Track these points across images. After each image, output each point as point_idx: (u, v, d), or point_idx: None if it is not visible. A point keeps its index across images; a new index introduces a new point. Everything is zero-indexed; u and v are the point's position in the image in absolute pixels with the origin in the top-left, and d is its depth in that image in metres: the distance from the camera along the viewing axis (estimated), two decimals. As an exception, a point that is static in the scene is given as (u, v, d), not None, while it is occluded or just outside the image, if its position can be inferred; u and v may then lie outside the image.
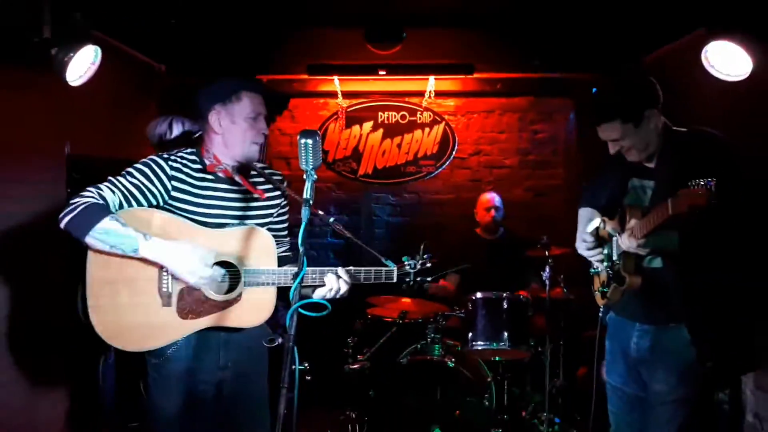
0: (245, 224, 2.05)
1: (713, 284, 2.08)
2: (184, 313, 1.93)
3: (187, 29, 3.48)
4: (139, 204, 1.94)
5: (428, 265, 2.09)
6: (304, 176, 1.63)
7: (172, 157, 2.01)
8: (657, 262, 2.15)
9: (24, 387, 2.74)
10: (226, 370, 2.05)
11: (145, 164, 1.97)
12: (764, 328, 2.73)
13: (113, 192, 1.89)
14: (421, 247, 2.12)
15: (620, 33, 3.52)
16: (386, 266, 2.04)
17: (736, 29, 2.65)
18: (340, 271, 1.97)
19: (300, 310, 1.44)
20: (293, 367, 1.32)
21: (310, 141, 1.60)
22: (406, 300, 3.59)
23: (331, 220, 1.87)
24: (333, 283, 1.96)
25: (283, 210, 2.21)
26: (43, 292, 2.80)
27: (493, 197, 4.24)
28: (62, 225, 1.84)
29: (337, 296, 1.96)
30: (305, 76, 4.60)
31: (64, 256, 2.91)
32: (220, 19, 3.36)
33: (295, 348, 1.34)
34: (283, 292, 2.04)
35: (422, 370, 3.36)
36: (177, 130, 2.87)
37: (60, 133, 3.08)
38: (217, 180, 2.05)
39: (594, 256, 2.30)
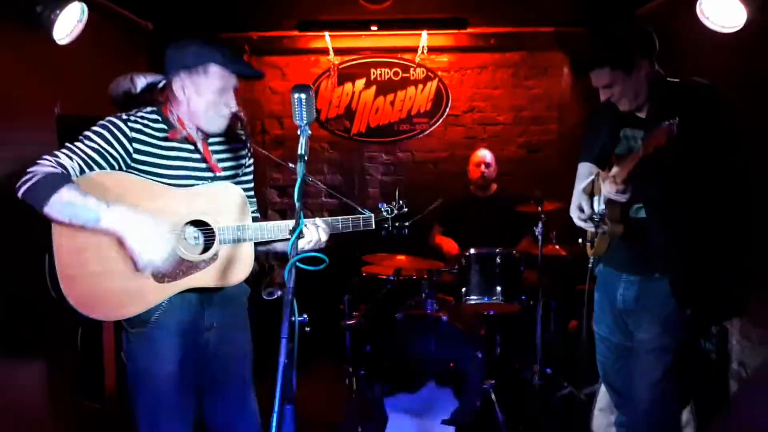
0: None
1: (695, 234, 2.11)
2: (160, 276, 1.88)
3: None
4: (100, 168, 1.85)
5: (405, 210, 2.10)
6: (299, 132, 1.61)
7: (132, 118, 1.91)
8: (642, 213, 2.17)
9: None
10: (211, 330, 2.04)
11: (104, 127, 1.87)
12: (750, 278, 2.80)
13: (71, 158, 1.80)
14: (396, 192, 2.14)
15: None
16: (363, 214, 2.04)
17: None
18: (318, 220, 1.98)
19: (298, 264, 1.46)
20: (292, 318, 1.35)
21: (303, 95, 1.58)
22: (401, 257, 3.64)
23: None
24: (312, 233, 1.95)
25: (249, 169, 2.15)
26: (34, 259, 2.78)
27: (484, 154, 4.24)
28: (19, 194, 1.75)
29: (318, 246, 1.95)
30: (296, 33, 4.53)
31: (37, 220, 2.88)
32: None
33: (294, 300, 1.37)
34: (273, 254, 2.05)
35: (417, 324, 3.43)
36: (141, 84, 2.79)
37: (49, 93, 3.04)
38: (181, 140, 1.98)
39: (586, 227, 2.32)
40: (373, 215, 2.06)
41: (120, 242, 1.80)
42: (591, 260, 2.42)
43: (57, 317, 2.83)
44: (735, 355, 3.01)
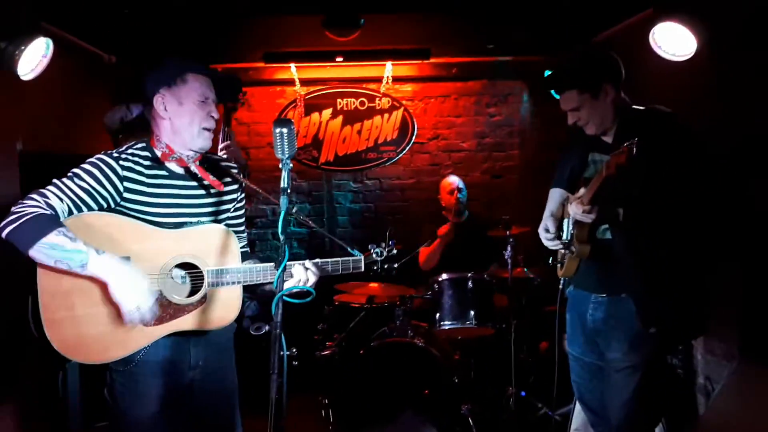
0: (202, 222, 1.98)
1: (658, 254, 2.18)
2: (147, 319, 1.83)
3: (137, 18, 3.39)
4: (89, 209, 1.82)
5: (394, 251, 2.09)
6: (280, 165, 1.63)
7: (123, 156, 1.89)
8: (608, 234, 2.24)
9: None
10: (197, 369, 2.00)
11: (94, 165, 1.84)
12: (713, 295, 2.90)
13: (61, 199, 1.77)
14: (387, 233, 2.12)
15: (570, 15, 3.62)
16: (353, 256, 2.03)
17: (681, 9, 2.77)
18: (308, 263, 1.95)
19: (285, 298, 1.45)
20: (281, 353, 1.34)
21: (285, 130, 1.60)
22: (373, 285, 3.64)
23: (294, 209, 1.85)
24: (301, 274, 1.93)
25: (240, 204, 2.14)
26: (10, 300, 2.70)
27: (454, 180, 4.30)
28: (3, 234, 1.71)
29: (306, 287, 1.92)
30: (261, 64, 4.56)
31: (19, 262, 2.81)
32: (172, 6, 3.28)
33: (282, 335, 1.36)
34: (246, 286, 2.02)
35: (392, 352, 3.42)
36: (136, 110, 2.85)
37: (11, 129, 2.97)
38: (171, 176, 1.96)
39: (554, 247, 2.37)
40: (362, 257, 2.05)
41: (105, 287, 1.77)
42: (561, 281, 2.47)
43: (33, 360, 2.74)
44: (701, 370, 3.10)
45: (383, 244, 2.07)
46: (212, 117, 1.97)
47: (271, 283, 1.93)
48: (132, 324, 1.77)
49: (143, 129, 2.08)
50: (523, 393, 3.68)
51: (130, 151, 1.92)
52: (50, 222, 1.70)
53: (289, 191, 1.59)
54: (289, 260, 1.85)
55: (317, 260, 1.98)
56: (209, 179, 1.98)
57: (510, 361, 3.59)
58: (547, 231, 2.34)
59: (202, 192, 2.01)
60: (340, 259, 2.02)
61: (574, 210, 2.16)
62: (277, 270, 1.49)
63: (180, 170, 1.99)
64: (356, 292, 3.67)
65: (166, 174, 1.95)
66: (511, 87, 5.00)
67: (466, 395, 3.44)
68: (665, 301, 2.18)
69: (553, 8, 3.50)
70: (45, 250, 1.68)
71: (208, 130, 1.97)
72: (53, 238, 1.68)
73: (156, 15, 3.39)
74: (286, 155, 1.61)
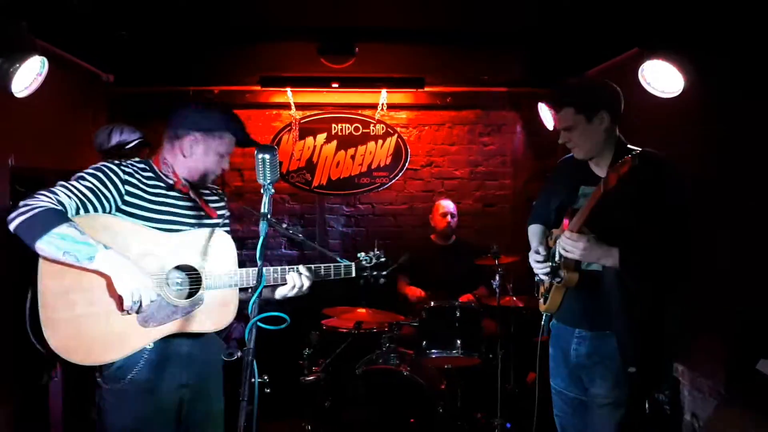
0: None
1: (643, 293, 2.16)
2: (145, 320, 1.89)
3: (136, 39, 3.43)
4: (95, 209, 1.88)
5: (382, 259, 2.20)
6: (262, 190, 1.64)
7: (124, 163, 1.99)
8: (595, 265, 2.22)
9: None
10: (186, 388, 2.03)
11: (98, 169, 1.93)
12: (700, 332, 2.90)
13: (69, 197, 1.83)
14: (375, 243, 2.25)
15: (562, 50, 3.68)
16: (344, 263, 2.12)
17: (666, 49, 2.82)
18: (301, 268, 2.03)
19: (258, 323, 1.45)
20: (252, 380, 1.33)
21: (267, 156, 1.62)
22: (361, 310, 3.63)
23: (284, 225, 1.92)
24: (295, 280, 2.01)
25: (226, 221, 2.22)
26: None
27: (448, 204, 4.38)
28: (12, 226, 1.75)
29: (300, 293, 2.01)
30: (258, 88, 4.61)
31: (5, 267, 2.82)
32: (171, 29, 3.33)
33: (254, 361, 1.35)
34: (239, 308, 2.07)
35: (378, 379, 3.39)
36: (114, 140, 2.98)
37: (3, 145, 2.99)
38: (168, 188, 2.04)
39: (543, 270, 2.35)
40: (354, 264, 2.15)
41: (109, 285, 1.82)
42: (544, 317, 2.45)
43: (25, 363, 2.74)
44: (687, 406, 3.08)
45: (371, 252, 2.18)
46: (223, 168, 2.10)
47: (270, 286, 2.03)
48: (131, 310, 1.81)
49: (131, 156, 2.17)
50: (508, 424, 3.64)
51: (129, 162, 2.02)
52: (61, 215, 1.77)
53: (269, 216, 1.60)
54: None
55: (310, 265, 2.06)
56: (206, 208, 2.08)
57: (496, 392, 3.56)
58: (538, 253, 2.34)
59: (196, 205, 2.10)
60: (332, 264, 2.10)
61: (563, 240, 2.15)
62: (255, 292, 1.49)
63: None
64: (344, 317, 3.65)
65: (164, 186, 2.03)
66: (504, 117, 5.05)
67: (451, 425, 3.41)
68: (647, 341, 2.16)
69: (546, 43, 3.56)
70: (55, 240, 1.73)
71: (217, 174, 2.10)
72: (65, 229, 1.74)
73: (155, 36, 3.43)
74: (268, 181, 1.64)
